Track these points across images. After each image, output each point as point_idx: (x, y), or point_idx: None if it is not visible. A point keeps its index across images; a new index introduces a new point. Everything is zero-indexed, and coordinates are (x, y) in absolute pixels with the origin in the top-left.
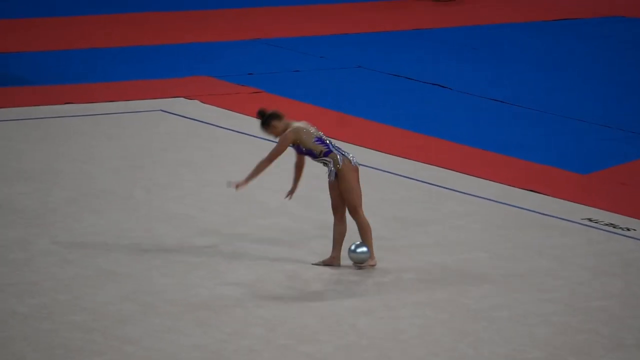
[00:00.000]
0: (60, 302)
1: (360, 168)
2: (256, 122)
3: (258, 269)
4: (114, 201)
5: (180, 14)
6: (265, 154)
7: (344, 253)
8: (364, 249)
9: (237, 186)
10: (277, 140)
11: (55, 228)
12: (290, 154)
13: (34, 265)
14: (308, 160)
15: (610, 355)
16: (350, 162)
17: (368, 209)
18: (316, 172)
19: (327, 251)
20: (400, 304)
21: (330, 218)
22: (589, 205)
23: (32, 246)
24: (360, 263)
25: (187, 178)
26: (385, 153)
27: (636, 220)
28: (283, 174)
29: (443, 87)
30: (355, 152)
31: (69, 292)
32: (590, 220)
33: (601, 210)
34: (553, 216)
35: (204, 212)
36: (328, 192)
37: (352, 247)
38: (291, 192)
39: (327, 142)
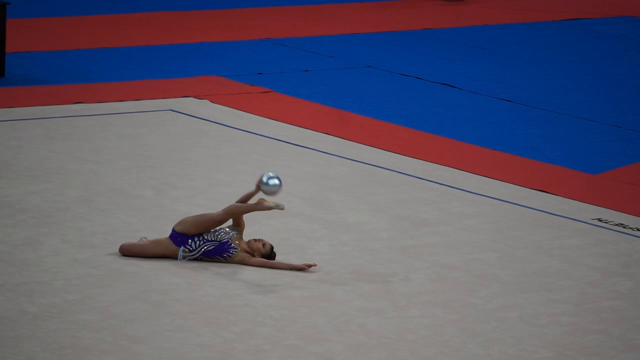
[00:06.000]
0: (69, 302)
1: (370, 168)
2: (266, 122)
3: (267, 269)
4: (123, 201)
5: (190, 14)
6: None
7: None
8: (276, 181)
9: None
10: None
11: (65, 227)
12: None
13: (43, 265)
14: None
15: (619, 355)
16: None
17: (378, 209)
18: (324, 173)
19: (334, 251)
20: (410, 304)
21: (339, 219)
22: (598, 205)
23: (42, 246)
24: (272, 193)
25: (196, 178)
26: (394, 153)
27: None
28: (296, 174)
29: (453, 86)
30: (364, 152)
31: (78, 292)
32: (600, 220)
33: (611, 210)
34: (563, 216)
35: (212, 211)
36: (336, 193)
37: (264, 179)
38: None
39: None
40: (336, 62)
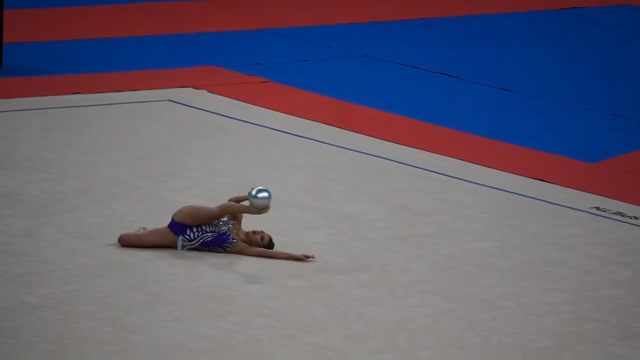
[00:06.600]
0: (68, 292)
1: (369, 157)
2: (265, 112)
3: (265, 259)
4: (121, 191)
5: (187, 4)
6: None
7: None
8: (265, 194)
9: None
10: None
11: (62, 218)
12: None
13: (42, 256)
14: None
15: (617, 343)
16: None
17: (377, 199)
18: (323, 163)
19: (332, 241)
20: (408, 294)
21: (337, 209)
22: (597, 194)
23: (41, 236)
24: (262, 208)
25: (194, 168)
26: (392, 142)
27: None
28: (294, 163)
29: (451, 76)
30: (363, 142)
31: (76, 282)
32: (598, 208)
33: (609, 199)
34: (561, 205)
35: (211, 202)
36: (335, 183)
37: (253, 192)
38: None
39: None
40: (334, 52)
